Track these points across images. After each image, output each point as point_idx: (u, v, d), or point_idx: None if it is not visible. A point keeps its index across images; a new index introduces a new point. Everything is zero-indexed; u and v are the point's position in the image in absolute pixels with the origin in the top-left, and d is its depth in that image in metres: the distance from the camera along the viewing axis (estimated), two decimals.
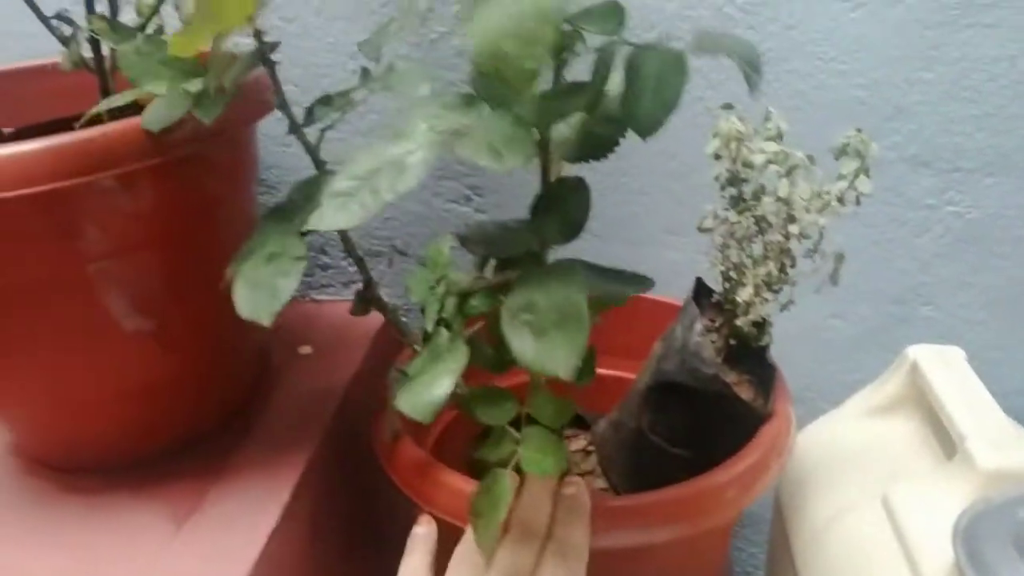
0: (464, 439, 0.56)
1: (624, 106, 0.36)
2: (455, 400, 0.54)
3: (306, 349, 0.73)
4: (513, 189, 0.75)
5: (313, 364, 0.71)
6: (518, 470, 0.42)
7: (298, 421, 0.63)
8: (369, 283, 0.53)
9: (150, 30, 0.57)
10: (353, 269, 0.78)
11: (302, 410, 0.65)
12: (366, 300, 0.53)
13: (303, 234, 0.42)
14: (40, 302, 0.51)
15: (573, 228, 0.41)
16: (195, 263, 0.56)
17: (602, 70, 0.36)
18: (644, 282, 0.43)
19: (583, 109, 0.38)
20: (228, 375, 0.64)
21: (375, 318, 0.76)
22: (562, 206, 0.41)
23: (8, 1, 0.72)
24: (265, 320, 0.40)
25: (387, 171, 0.35)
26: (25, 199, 0.45)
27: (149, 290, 0.54)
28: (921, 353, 0.62)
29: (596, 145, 0.40)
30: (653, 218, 0.77)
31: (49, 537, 0.53)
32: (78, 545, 0.52)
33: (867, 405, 0.66)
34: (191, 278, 0.56)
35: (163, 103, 0.45)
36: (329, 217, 0.34)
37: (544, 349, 0.35)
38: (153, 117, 0.45)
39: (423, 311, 0.48)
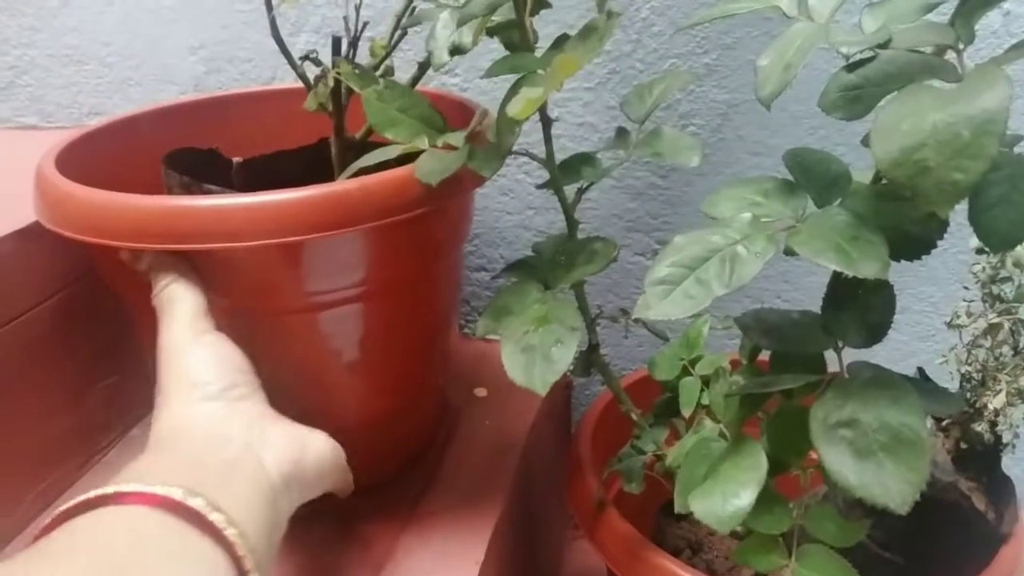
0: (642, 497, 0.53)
1: (973, 217, 0.33)
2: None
3: (481, 391, 0.72)
4: None
5: (489, 408, 0.70)
6: None
7: (484, 471, 0.62)
8: (597, 347, 0.51)
9: (379, 71, 0.57)
10: None
11: (486, 459, 0.63)
12: (590, 363, 0.51)
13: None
14: (257, 344, 0.50)
15: (875, 331, 0.38)
16: (408, 312, 0.55)
17: None
18: (954, 402, 0.39)
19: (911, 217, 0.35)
20: (420, 416, 0.63)
21: None
22: (862, 305, 0.38)
23: (225, 29, 0.74)
24: (540, 390, 0.39)
25: (716, 262, 0.33)
26: (270, 249, 0.45)
27: (362, 338, 0.54)
28: None
29: (910, 245, 0.37)
30: None
31: None
32: None
33: None
34: (402, 326, 0.56)
35: (434, 157, 0.44)
36: (655, 306, 0.32)
37: (870, 474, 0.32)
38: (429, 169, 0.44)
39: (667, 388, 0.46)
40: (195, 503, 0.33)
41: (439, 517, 0.57)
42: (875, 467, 0.32)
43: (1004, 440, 0.53)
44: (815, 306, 0.41)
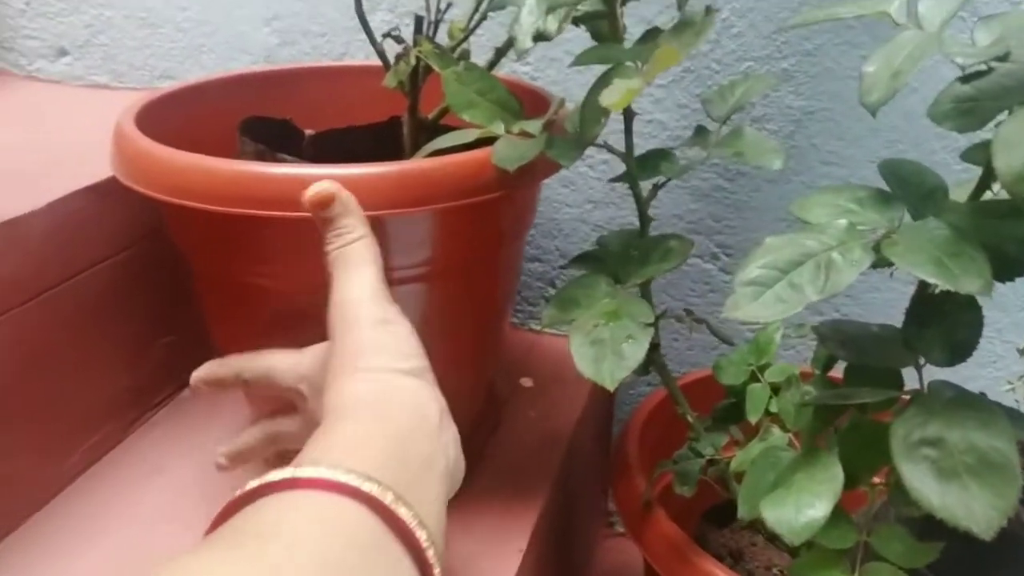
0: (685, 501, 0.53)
1: None
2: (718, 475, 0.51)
3: (527, 381, 0.72)
4: None
5: (535, 399, 0.70)
6: None
7: (529, 462, 0.62)
8: (658, 346, 0.50)
9: (456, 54, 0.57)
10: None
11: (532, 450, 0.63)
12: (649, 361, 0.51)
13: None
14: (319, 315, 0.50)
15: (960, 350, 0.37)
16: (467, 296, 0.55)
17: None
18: None
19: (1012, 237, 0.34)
20: (469, 401, 0.63)
21: None
22: (947, 322, 0.37)
23: (301, 2, 0.74)
24: (609, 385, 0.38)
25: (810, 267, 0.32)
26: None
27: (421, 318, 0.53)
28: None
29: (1008, 265, 0.36)
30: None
31: None
32: None
33: None
34: (460, 309, 0.55)
35: (511, 143, 0.44)
36: (745, 307, 0.32)
37: (954, 496, 0.31)
38: (506, 155, 0.44)
39: (731, 393, 0.45)
40: (402, 513, 0.29)
41: (483, 503, 0.57)
42: (959, 489, 0.32)
43: None
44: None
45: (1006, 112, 0.30)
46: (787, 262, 0.33)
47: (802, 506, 0.35)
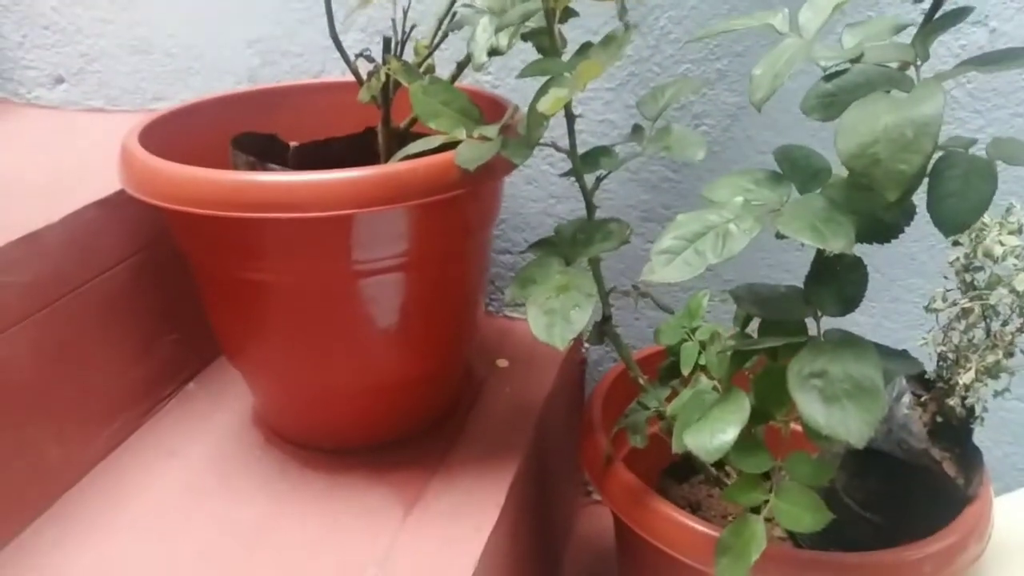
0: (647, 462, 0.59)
1: (931, 206, 0.40)
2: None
3: (503, 362, 0.79)
4: None
5: (510, 377, 0.77)
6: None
7: (504, 431, 0.69)
8: (609, 318, 0.57)
9: (422, 69, 0.64)
10: None
11: (507, 421, 0.70)
12: (603, 333, 0.58)
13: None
14: (308, 304, 0.58)
15: (849, 303, 0.44)
16: (441, 284, 0.63)
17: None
18: (911, 362, 0.46)
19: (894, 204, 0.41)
20: (447, 380, 0.70)
21: None
22: (838, 281, 0.45)
23: (280, 25, 0.81)
24: (560, 345, 0.45)
25: (712, 236, 0.40)
26: (327, 220, 0.52)
27: (399, 305, 0.61)
28: None
29: (884, 230, 0.44)
30: None
31: (296, 507, 0.60)
32: (321, 517, 0.59)
33: None
34: (436, 296, 0.63)
35: (472, 146, 0.51)
36: (660, 271, 0.39)
37: (836, 416, 0.39)
38: (468, 156, 0.51)
39: (669, 351, 0.52)
40: None
41: (464, 467, 0.64)
42: (839, 410, 0.39)
43: (975, 413, 0.60)
44: None
45: None
46: (693, 233, 0.40)
47: (715, 432, 0.42)
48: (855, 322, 0.79)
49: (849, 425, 0.38)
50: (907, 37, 0.41)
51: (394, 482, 0.63)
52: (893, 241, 0.76)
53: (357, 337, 0.61)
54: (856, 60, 0.39)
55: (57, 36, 0.89)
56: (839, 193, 0.41)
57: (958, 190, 0.40)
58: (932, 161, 0.40)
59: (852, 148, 0.33)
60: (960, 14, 0.38)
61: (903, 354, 0.47)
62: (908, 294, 0.77)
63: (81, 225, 0.63)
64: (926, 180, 0.40)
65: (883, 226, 0.44)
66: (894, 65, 0.39)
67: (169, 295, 0.71)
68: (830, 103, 0.38)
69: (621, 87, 0.74)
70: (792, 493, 0.46)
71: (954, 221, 0.39)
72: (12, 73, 0.92)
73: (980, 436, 0.80)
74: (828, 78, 0.39)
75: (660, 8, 0.70)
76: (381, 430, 0.66)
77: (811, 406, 0.39)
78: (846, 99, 0.37)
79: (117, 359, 0.67)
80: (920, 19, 0.41)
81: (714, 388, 0.48)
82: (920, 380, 0.63)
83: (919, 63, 0.37)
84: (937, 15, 0.38)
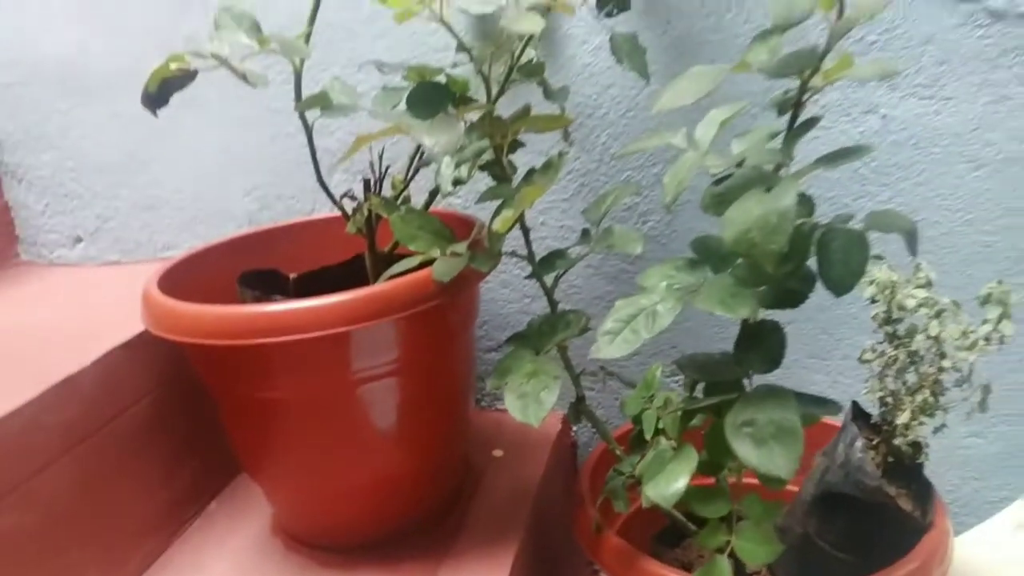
0: (641, 531, 0.65)
1: (821, 273, 0.48)
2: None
3: (499, 452, 0.85)
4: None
5: (506, 465, 0.83)
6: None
7: (504, 515, 0.75)
8: (583, 398, 0.65)
9: (399, 200, 0.74)
10: None
11: (505, 506, 0.76)
12: (579, 412, 0.65)
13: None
14: (316, 414, 0.65)
15: (773, 362, 0.52)
16: (431, 385, 0.70)
17: (800, 245, 0.48)
18: (831, 406, 0.53)
19: (786, 276, 0.50)
20: (445, 473, 0.77)
21: (552, 427, 0.89)
22: (763, 344, 0.53)
23: (273, 173, 0.93)
24: (534, 423, 0.53)
25: (643, 317, 0.48)
26: (327, 338, 0.60)
27: (396, 406, 0.68)
28: None
29: (789, 297, 0.52)
30: (799, 344, 0.87)
31: None
32: None
33: (1014, 520, 0.72)
34: (427, 396, 0.70)
35: (446, 262, 0.60)
36: (605, 349, 0.47)
37: (765, 455, 0.46)
38: (442, 271, 0.60)
39: (633, 421, 0.59)
40: None
41: (469, 553, 0.70)
42: (767, 451, 0.46)
43: (921, 450, 0.66)
44: None
45: None
46: (629, 315, 0.48)
47: (670, 482, 0.49)
48: (813, 381, 0.87)
49: (777, 462, 0.45)
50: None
51: (406, 572, 0.68)
52: (836, 306, 0.84)
53: (360, 439, 0.68)
54: (739, 164, 0.48)
55: (75, 202, 1.01)
56: (744, 272, 0.50)
57: (841, 259, 0.48)
58: (819, 235, 0.49)
59: (735, 235, 0.42)
60: (812, 122, 0.48)
61: (822, 399, 0.54)
62: (855, 351, 0.84)
63: (109, 367, 0.71)
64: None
65: (790, 294, 0.52)
66: (770, 167, 0.48)
67: (188, 423, 0.79)
68: (720, 201, 0.47)
69: (574, 196, 0.85)
70: (748, 531, 0.52)
71: (840, 284, 0.48)
72: (36, 237, 1.03)
73: (948, 475, 0.86)
74: (717, 182, 0.48)
75: (599, 127, 0.82)
76: (390, 524, 0.72)
77: (745, 450, 0.47)
78: (732, 197, 0.46)
79: (145, 485, 0.73)
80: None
81: (672, 447, 0.55)
82: (871, 425, 0.70)
83: (787, 164, 0.47)
84: (796, 124, 0.47)
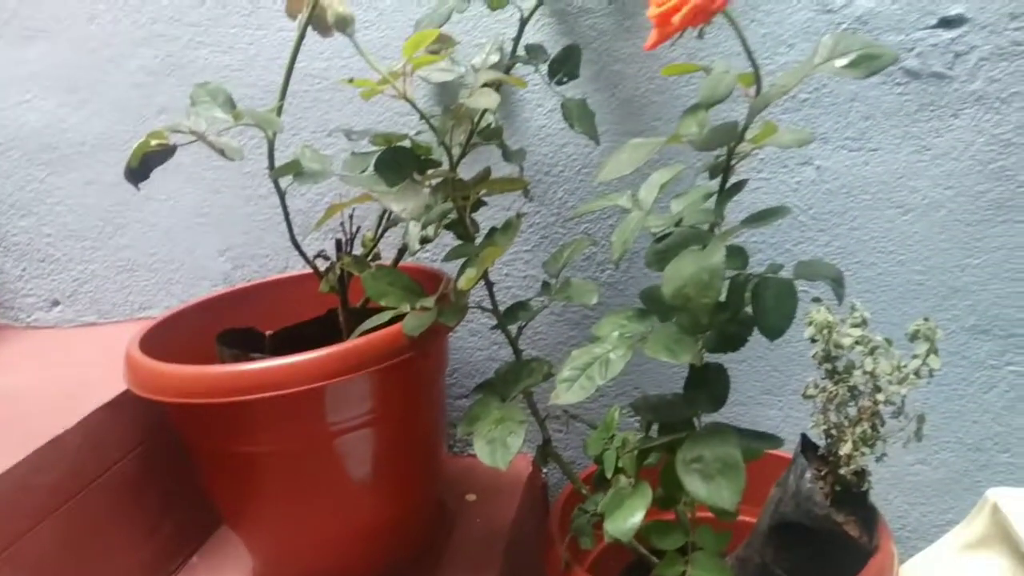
0: (610, 568, 0.68)
1: (756, 319, 0.53)
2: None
3: (472, 497, 0.89)
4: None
5: (479, 509, 0.87)
6: None
7: (478, 557, 0.78)
8: (549, 440, 0.69)
9: (370, 257, 0.79)
10: None
11: (479, 549, 0.79)
12: (546, 454, 0.69)
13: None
14: (294, 466, 0.68)
15: (719, 401, 0.57)
16: (405, 434, 0.74)
17: (737, 294, 0.53)
18: (774, 441, 0.58)
19: (726, 322, 0.55)
20: (421, 518, 0.80)
21: (523, 469, 0.92)
22: (709, 385, 0.58)
23: (247, 234, 0.96)
24: (502, 466, 0.57)
25: (597, 364, 0.52)
26: (305, 393, 0.63)
27: (372, 456, 0.71)
28: (1000, 495, 0.74)
29: (731, 341, 0.57)
30: (753, 381, 0.92)
31: None
32: None
33: (958, 542, 0.77)
34: (402, 445, 0.74)
35: (415, 316, 0.64)
36: (563, 395, 0.52)
37: (713, 489, 0.50)
38: (412, 325, 0.64)
39: (595, 461, 0.64)
40: None
41: None
42: (714, 485, 0.50)
43: (865, 479, 0.71)
44: None
45: None
46: (584, 363, 0.53)
47: (627, 517, 0.53)
48: (768, 416, 0.92)
49: (723, 495, 0.50)
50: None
51: None
52: (785, 345, 0.89)
53: (337, 488, 0.71)
54: (678, 224, 0.53)
55: (52, 266, 1.03)
56: (688, 320, 0.55)
57: (773, 306, 0.54)
58: (752, 285, 0.54)
59: (672, 291, 0.47)
60: (740, 185, 0.53)
61: (765, 435, 0.59)
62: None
63: (93, 426, 0.73)
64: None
65: (731, 338, 0.57)
66: (706, 226, 0.54)
67: (170, 478, 0.81)
68: (661, 258, 0.52)
69: (536, 248, 0.90)
70: (702, 560, 0.56)
71: (774, 329, 0.53)
72: (13, 302, 1.05)
73: (896, 501, 0.91)
74: (658, 240, 0.53)
75: (556, 184, 0.87)
76: (368, 570, 0.75)
77: (694, 484, 0.51)
78: (672, 254, 0.51)
79: (129, 540, 0.75)
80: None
81: (630, 484, 0.59)
82: (819, 456, 0.75)
83: (720, 221, 0.52)
84: (727, 187, 0.53)
